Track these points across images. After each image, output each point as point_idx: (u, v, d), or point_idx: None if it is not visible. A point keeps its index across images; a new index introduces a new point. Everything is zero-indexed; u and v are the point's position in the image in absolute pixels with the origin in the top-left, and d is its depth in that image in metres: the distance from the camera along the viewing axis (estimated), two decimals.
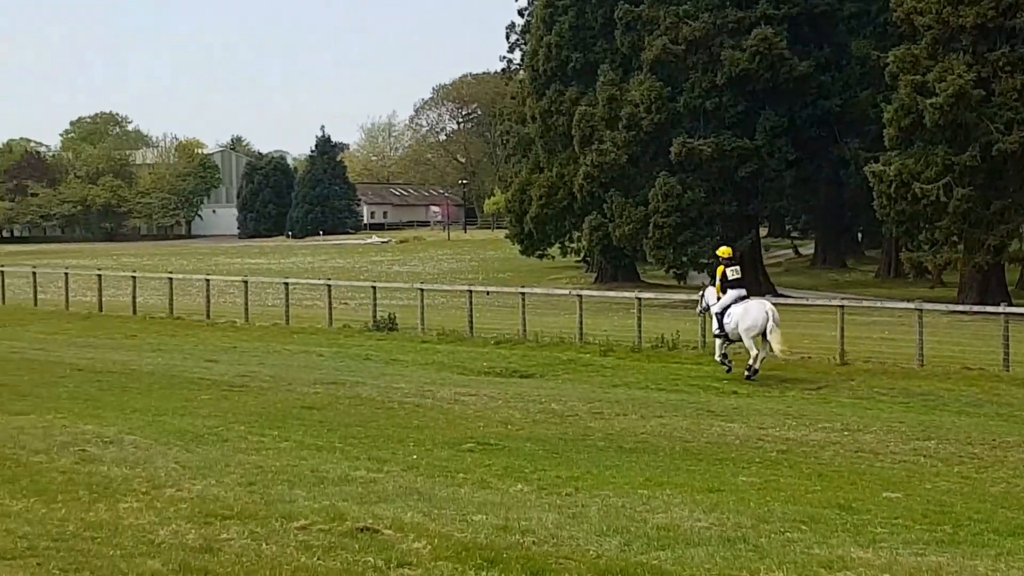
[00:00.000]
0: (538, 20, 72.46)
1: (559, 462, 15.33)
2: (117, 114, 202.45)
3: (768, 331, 26.11)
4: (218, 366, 26.70)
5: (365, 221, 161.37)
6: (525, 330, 34.62)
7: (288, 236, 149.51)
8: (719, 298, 27.71)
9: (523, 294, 37.10)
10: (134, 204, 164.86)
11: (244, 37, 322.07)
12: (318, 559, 9.89)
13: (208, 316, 42.09)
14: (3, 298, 50.45)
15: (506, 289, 44.96)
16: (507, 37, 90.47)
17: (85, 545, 10.20)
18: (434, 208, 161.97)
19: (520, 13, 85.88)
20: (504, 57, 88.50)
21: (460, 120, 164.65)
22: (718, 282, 28.02)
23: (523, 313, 35.31)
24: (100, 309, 45.76)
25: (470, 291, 37.97)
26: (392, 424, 18.22)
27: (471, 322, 36.25)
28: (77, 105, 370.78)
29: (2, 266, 58.25)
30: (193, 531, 10.73)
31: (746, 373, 26.45)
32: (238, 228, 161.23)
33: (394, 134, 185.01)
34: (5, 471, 13.45)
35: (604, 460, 15.60)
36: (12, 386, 21.73)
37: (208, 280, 45.04)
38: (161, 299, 48.25)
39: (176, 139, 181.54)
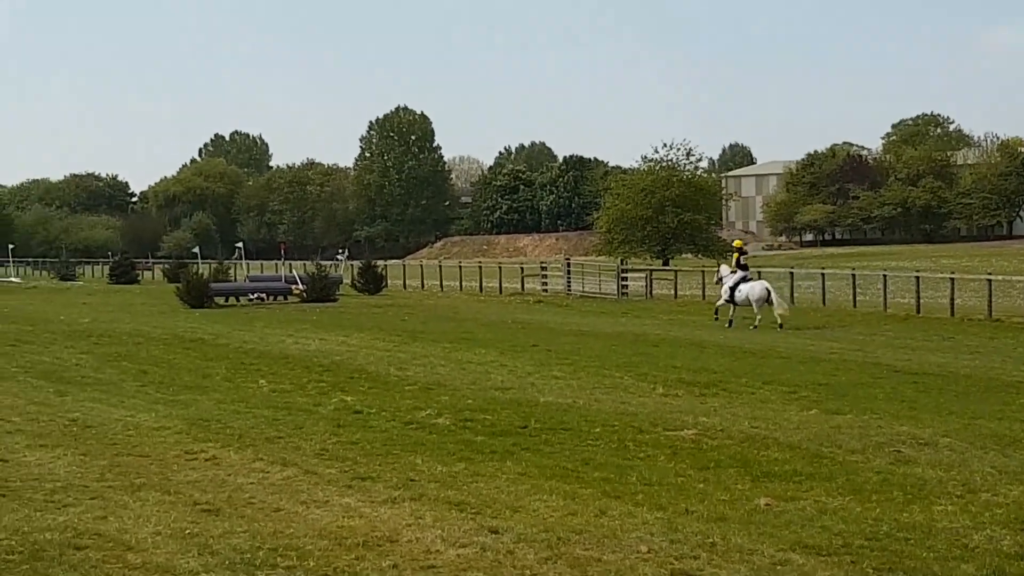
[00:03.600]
0: None
1: None
2: (939, 115, 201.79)
3: (771, 301, 38.26)
4: None
5: None
6: None
7: None
8: (733, 273, 39.72)
9: None
10: (954, 205, 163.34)
11: None
12: None
13: None
14: (823, 299, 51.83)
15: None
16: None
17: (898, 546, 10.36)
18: None
19: None
20: None
21: None
22: (734, 264, 40.17)
23: None
24: (918, 311, 45.70)
25: None
26: None
27: None
28: (898, 108, 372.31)
29: (823, 268, 59.85)
30: (1008, 537, 10.59)
31: (752, 326, 37.72)
32: None
33: None
34: (822, 469, 13.90)
35: None
36: (831, 386, 22.28)
37: None
38: (979, 301, 47.49)
39: (998, 138, 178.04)
